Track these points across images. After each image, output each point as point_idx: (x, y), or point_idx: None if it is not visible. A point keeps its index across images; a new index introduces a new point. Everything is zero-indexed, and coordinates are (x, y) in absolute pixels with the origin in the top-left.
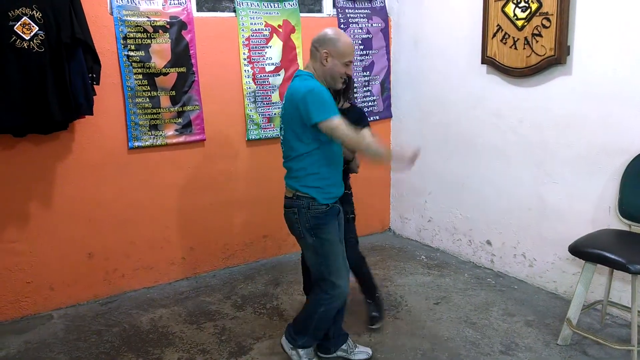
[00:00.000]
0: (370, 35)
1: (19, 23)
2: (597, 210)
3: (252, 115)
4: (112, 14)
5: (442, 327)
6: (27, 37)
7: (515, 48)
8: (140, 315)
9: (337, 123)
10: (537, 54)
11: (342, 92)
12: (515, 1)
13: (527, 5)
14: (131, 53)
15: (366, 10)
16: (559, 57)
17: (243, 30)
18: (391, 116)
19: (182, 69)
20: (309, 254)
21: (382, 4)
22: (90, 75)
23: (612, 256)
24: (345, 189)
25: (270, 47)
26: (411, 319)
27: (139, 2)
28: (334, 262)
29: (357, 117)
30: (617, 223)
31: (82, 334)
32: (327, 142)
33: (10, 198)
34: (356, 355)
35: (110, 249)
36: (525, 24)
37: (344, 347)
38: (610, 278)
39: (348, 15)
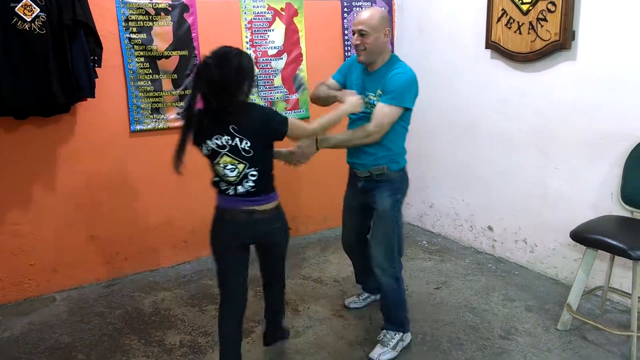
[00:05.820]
0: None
1: (20, 4)
2: (599, 196)
3: (254, 99)
4: None
5: (442, 312)
6: (28, 19)
7: (520, 33)
8: (143, 297)
9: None
10: (541, 39)
11: None
12: None
13: None
14: (133, 35)
15: None
16: (563, 42)
17: (245, 13)
18: None
19: (184, 52)
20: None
21: None
22: (92, 57)
23: (614, 242)
24: None
25: (273, 30)
26: (412, 303)
27: None
28: None
29: None
30: (619, 209)
31: (84, 316)
32: None
33: (13, 180)
34: None
35: (113, 232)
36: (530, 8)
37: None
38: (611, 264)
39: None
